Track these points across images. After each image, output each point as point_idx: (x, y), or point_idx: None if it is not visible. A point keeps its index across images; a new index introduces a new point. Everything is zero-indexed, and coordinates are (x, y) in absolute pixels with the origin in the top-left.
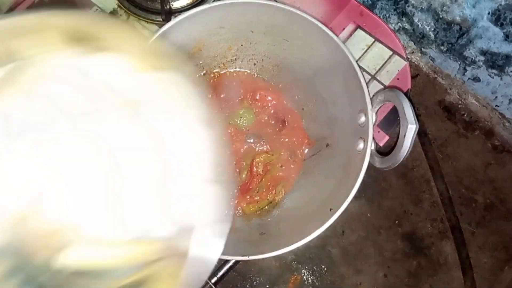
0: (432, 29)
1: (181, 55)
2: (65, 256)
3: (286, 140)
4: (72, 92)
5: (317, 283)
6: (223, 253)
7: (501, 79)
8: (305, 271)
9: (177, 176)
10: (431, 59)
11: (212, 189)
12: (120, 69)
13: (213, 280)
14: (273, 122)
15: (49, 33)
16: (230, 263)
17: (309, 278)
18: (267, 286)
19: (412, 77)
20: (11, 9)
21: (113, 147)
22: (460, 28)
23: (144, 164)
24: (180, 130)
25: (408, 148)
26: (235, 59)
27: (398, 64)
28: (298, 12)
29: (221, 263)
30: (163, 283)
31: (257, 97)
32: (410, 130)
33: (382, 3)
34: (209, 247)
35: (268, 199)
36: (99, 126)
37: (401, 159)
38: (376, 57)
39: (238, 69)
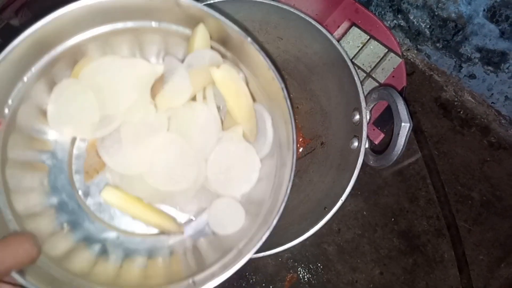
0: (428, 26)
1: None
2: None
3: None
4: None
5: (313, 281)
6: None
7: (497, 76)
8: (301, 269)
9: None
10: (426, 56)
11: None
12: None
13: None
14: None
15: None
16: None
17: (305, 276)
18: (263, 284)
19: (408, 75)
20: (3, 8)
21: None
22: (456, 25)
23: None
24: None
25: (402, 147)
26: None
27: (394, 61)
28: (292, 9)
29: None
30: None
31: None
32: (403, 128)
33: (377, 0)
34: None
35: None
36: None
37: (395, 158)
38: (371, 55)
39: None
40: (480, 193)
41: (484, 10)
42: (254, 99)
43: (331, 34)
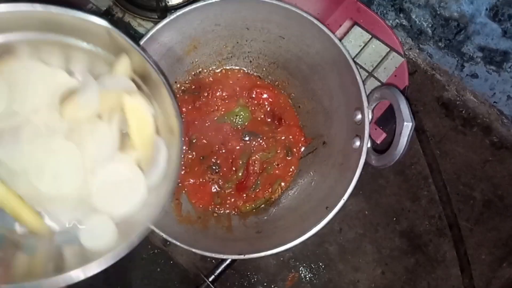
0: (430, 25)
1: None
2: None
3: (283, 138)
4: None
5: (314, 281)
6: (219, 252)
7: (499, 75)
8: (302, 269)
9: None
10: (429, 56)
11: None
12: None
13: (210, 278)
14: (269, 120)
15: None
16: (227, 262)
17: (307, 276)
18: (265, 284)
19: (410, 74)
20: None
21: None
22: (458, 24)
23: None
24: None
25: (404, 146)
26: (231, 56)
27: (396, 60)
28: (293, 9)
29: (218, 261)
30: None
31: (253, 95)
32: (406, 128)
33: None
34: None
35: (264, 198)
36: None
37: (397, 157)
38: (373, 54)
39: (234, 67)
40: (482, 192)
41: (486, 9)
42: (157, 132)
43: (333, 33)
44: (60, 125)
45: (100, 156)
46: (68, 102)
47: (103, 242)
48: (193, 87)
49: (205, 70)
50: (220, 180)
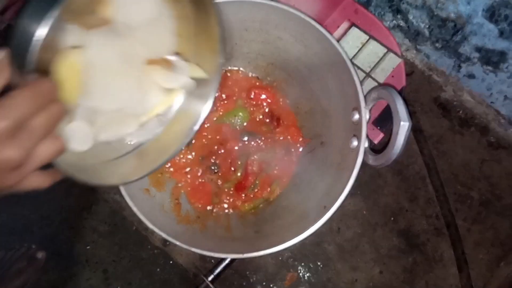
0: (427, 26)
1: None
2: None
3: (281, 138)
4: None
5: (313, 280)
6: (219, 252)
7: (496, 75)
8: (301, 268)
9: None
10: (426, 56)
11: None
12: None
13: (210, 278)
14: (267, 120)
15: None
16: (227, 261)
17: (305, 275)
18: (264, 283)
19: (407, 75)
20: (5, 9)
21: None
22: (455, 25)
23: None
24: None
25: (401, 146)
26: (230, 57)
27: (393, 61)
28: (291, 10)
29: (218, 261)
30: None
31: (252, 96)
32: (403, 127)
33: (377, 1)
34: None
35: (263, 197)
36: None
37: (394, 157)
38: (370, 55)
39: (232, 68)
40: (480, 192)
41: (483, 10)
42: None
43: (331, 34)
44: (139, 65)
45: (141, 110)
46: (159, 68)
47: (76, 145)
48: None
49: None
50: (219, 180)
